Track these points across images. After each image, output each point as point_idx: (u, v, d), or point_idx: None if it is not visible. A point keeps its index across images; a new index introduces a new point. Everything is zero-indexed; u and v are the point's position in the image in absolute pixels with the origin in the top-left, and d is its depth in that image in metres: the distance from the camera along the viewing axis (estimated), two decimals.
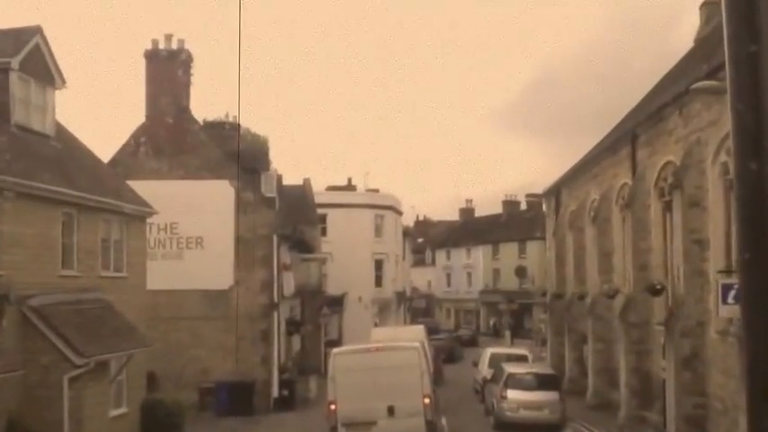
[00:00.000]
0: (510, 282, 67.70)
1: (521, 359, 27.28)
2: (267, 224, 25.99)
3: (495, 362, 26.96)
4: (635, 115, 24.32)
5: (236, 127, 34.15)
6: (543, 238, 66.47)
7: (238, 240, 25.85)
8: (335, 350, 19.05)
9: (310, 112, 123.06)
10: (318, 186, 50.29)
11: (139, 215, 18.40)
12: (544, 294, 35.76)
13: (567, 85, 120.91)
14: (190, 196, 25.80)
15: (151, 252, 25.74)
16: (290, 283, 27.77)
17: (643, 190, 20.17)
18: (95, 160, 17.97)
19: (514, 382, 21.05)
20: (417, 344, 18.57)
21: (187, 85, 26.30)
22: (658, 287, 16.52)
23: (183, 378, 25.44)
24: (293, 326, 30.81)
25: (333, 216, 47.85)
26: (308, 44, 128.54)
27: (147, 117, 26.07)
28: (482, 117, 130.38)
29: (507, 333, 58.78)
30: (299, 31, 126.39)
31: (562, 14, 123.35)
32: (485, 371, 27.29)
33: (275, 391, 25.76)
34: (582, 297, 25.73)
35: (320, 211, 45.39)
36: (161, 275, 25.53)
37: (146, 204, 18.85)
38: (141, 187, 25.62)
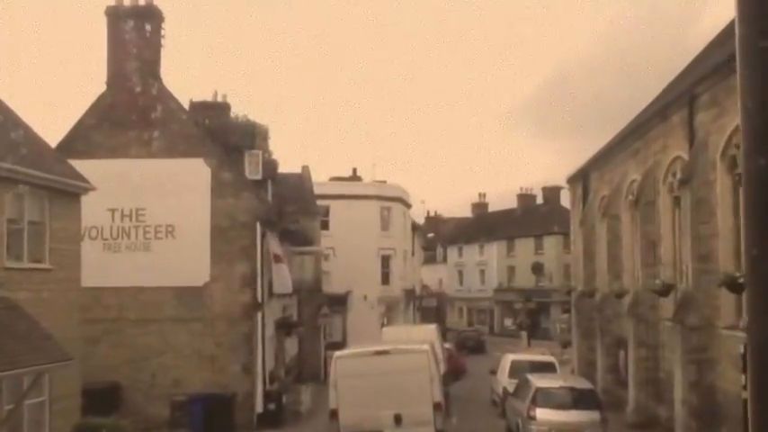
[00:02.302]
0: (526, 279, 63.77)
1: (546, 367, 23.36)
2: (249, 210, 22.20)
3: (517, 370, 23.12)
4: (687, 77, 20.37)
5: (226, 108, 30.61)
6: (561, 233, 62.65)
7: (216, 229, 22.09)
8: (337, 353, 17.38)
9: (317, 105, 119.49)
10: (323, 179, 46.67)
11: (70, 191, 14.58)
12: (569, 292, 31.80)
13: (583, 83, 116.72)
14: (159, 177, 22.11)
15: (114, 243, 22.18)
16: (284, 278, 23.93)
17: (705, 162, 16.23)
18: (14, 121, 14.20)
19: (545, 398, 17.17)
20: (426, 346, 17.06)
21: (157, 48, 22.57)
22: (741, 281, 12.61)
23: (152, 389, 21.80)
24: (285, 328, 27.06)
25: (336, 208, 44.11)
26: (318, 37, 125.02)
27: (109, 85, 22.35)
28: (497, 114, 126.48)
29: (524, 334, 54.86)
30: (311, 26, 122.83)
31: (578, 11, 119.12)
32: (505, 381, 23.43)
33: (259, 405, 22.02)
34: (620, 295, 21.76)
35: (322, 202, 41.73)
36: (126, 270, 21.95)
37: (79, 178, 15.07)
38: (102, 167, 22.00)
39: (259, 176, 24.99)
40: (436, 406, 15.82)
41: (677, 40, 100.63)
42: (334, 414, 15.85)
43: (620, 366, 23.88)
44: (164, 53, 22.77)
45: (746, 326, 2.33)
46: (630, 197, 23.22)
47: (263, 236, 22.31)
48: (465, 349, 47.22)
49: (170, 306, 21.95)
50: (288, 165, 46.81)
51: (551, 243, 62.87)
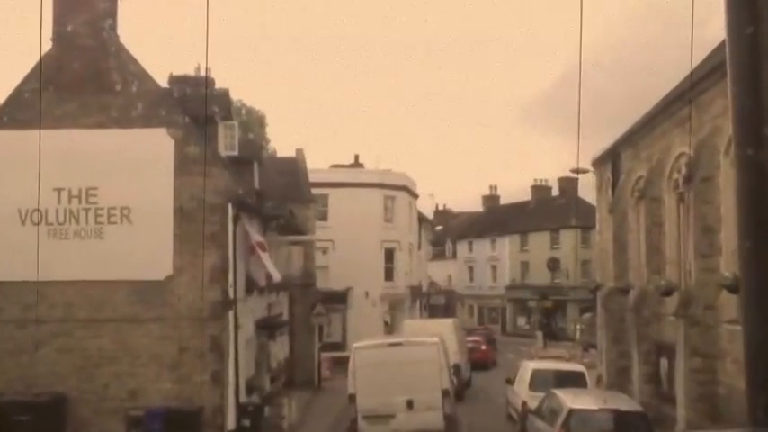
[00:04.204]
0: (540, 276, 60.02)
1: (574, 378, 19.67)
2: (220, 190, 18.62)
3: (539, 382, 19.50)
4: None
5: (209, 82, 27.13)
6: (578, 227, 58.80)
7: (180, 212, 18.53)
8: (356, 345, 19.07)
9: (321, 95, 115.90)
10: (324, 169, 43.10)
11: None
12: (596, 288, 28.05)
13: (595, 80, 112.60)
14: (113, 151, 18.57)
15: (60, 229, 18.68)
16: (270, 267, 20.31)
17: None
18: None
19: (580, 423, 13.52)
20: (436, 339, 18.56)
21: None
22: None
23: (104, 402, 18.31)
24: (269, 329, 23.47)
25: (335, 197, 40.55)
26: (324, 24, 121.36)
27: (55, 42, 18.81)
28: (509, 110, 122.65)
29: (539, 334, 51.13)
30: (317, 13, 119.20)
31: (594, 7, 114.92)
32: (524, 393, 19.78)
33: (231, 421, 18.46)
34: (667, 292, 18.01)
35: (321, 191, 38.27)
36: (73, 261, 18.44)
37: None
38: (47, 139, 18.15)
39: (235, 152, 21.44)
40: (444, 393, 17.23)
41: (690, 36, 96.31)
42: (352, 398, 17.41)
43: (662, 377, 20.22)
44: (126, 11, 19.24)
45: (742, 322, 2.33)
46: (676, 175, 19.52)
47: (236, 220, 18.72)
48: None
49: (126, 304, 18.42)
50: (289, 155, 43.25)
51: (568, 237, 59.14)
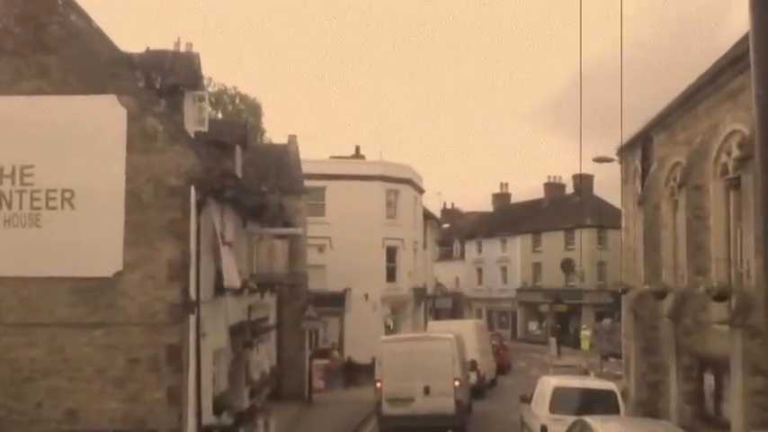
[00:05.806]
0: (554, 278, 56.82)
1: (604, 400, 16.48)
2: (182, 170, 15.54)
3: (562, 402, 16.41)
4: None
5: (193, 57, 24.17)
6: (595, 226, 55.57)
7: (132, 196, 15.47)
8: (383, 338, 22.77)
9: (326, 89, 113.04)
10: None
11: None
12: (624, 291, 24.85)
13: (607, 83, 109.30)
14: (54, 122, 15.53)
15: None
16: (229, 267, 17.26)
17: None
18: None
19: None
20: (451, 335, 21.57)
21: None
22: None
23: (37, 424, 15.19)
24: (245, 336, 20.34)
25: (333, 190, 37.61)
26: (337, 21, 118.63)
27: None
28: (521, 106, 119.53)
29: (553, 341, 47.97)
30: (329, 9, 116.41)
31: (606, 9, 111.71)
32: (545, 417, 16.61)
33: None
34: (721, 296, 14.78)
35: (318, 183, 35.40)
36: (3, 253, 15.27)
37: None
38: None
39: (204, 128, 18.40)
40: (456, 381, 20.08)
41: (705, 40, 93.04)
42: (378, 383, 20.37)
43: (707, 396, 17.05)
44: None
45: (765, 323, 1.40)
46: (726, 158, 16.36)
47: (201, 207, 15.65)
48: None
49: (65, 305, 15.30)
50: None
51: (583, 237, 55.89)
